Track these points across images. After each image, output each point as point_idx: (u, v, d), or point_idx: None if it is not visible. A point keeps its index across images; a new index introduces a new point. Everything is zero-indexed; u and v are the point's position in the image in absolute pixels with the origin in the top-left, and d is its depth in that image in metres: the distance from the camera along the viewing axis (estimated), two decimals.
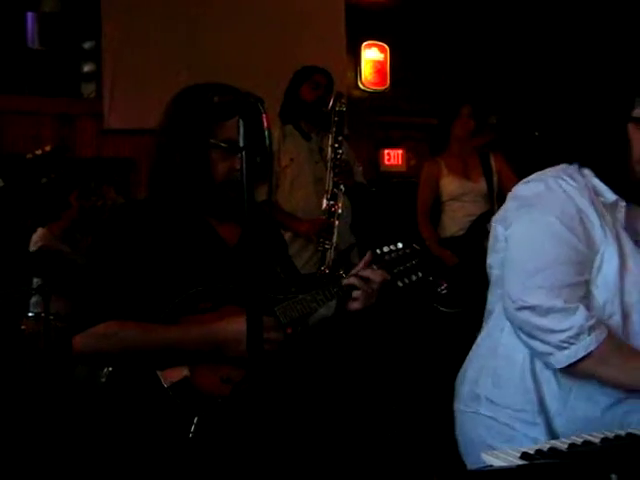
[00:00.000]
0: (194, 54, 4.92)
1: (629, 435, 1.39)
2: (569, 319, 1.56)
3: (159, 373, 1.59)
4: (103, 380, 2.40)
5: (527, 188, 1.74)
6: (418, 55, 5.64)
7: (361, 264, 1.81)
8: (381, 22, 5.50)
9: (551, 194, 1.67)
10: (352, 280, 1.77)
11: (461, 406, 1.81)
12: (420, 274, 1.85)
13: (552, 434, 1.63)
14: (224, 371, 1.62)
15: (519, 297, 1.62)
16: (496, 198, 3.94)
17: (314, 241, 3.52)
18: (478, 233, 3.68)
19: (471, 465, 1.70)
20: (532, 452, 1.27)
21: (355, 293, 1.76)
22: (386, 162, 5.56)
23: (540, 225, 1.66)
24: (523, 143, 4.62)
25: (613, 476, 1.04)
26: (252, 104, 1.27)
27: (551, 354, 1.59)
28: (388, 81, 5.64)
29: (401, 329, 3.82)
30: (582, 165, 1.74)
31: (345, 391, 3.26)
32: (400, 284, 1.83)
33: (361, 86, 5.63)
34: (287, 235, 3.42)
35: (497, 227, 1.79)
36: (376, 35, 5.61)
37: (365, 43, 5.59)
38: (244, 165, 1.19)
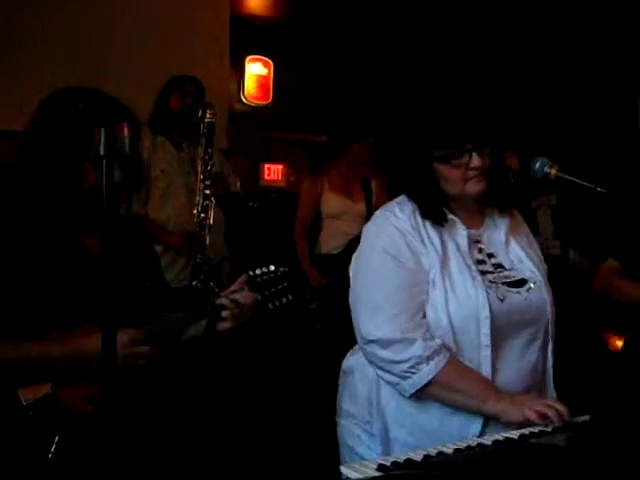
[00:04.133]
0: (72, 53, 4.72)
1: (479, 445, 1.47)
2: (408, 350, 1.68)
3: (19, 391, 1.53)
4: None
5: (366, 225, 1.88)
6: (302, 71, 5.72)
7: (235, 285, 1.80)
8: (266, 37, 5.53)
9: (378, 229, 1.82)
10: (223, 301, 1.76)
11: (336, 417, 1.93)
12: (290, 297, 1.89)
13: (388, 446, 1.75)
14: (89, 389, 1.58)
15: (365, 332, 1.74)
16: None
17: (185, 254, 3.47)
18: (353, 252, 3.87)
19: None
20: (388, 464, 1.31)
21: (225, 313, 1.76)
22: (266, 177, 5.59)
23: (369, 260, 1.80)
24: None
25: None
26: (114, 112, 1.25)
27: (398, 383, 1.72)
28: (271, 96, 5.67)
29: (273, 344, 3.84)
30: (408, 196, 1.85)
31: (218, 406, 3.24)
32: (271, 306, 1.86)
33: (244, 100, 5.64)
34: (158, 248, 3.35)
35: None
36: (260, 50, 5.63)
37: (249, 57, 5.60)
38: (104, 174, 1.17)
